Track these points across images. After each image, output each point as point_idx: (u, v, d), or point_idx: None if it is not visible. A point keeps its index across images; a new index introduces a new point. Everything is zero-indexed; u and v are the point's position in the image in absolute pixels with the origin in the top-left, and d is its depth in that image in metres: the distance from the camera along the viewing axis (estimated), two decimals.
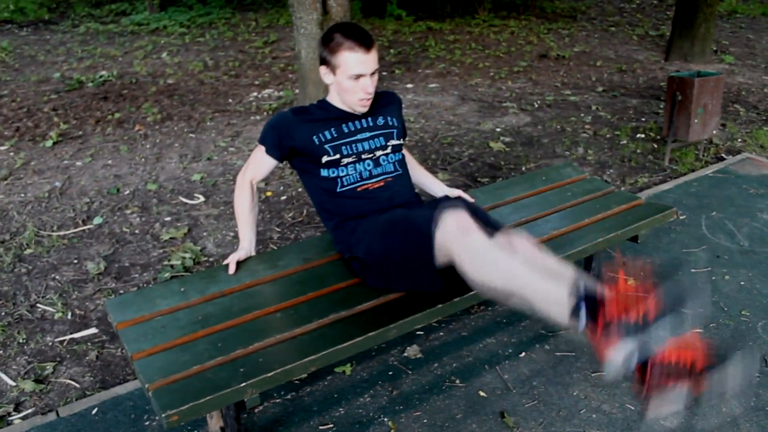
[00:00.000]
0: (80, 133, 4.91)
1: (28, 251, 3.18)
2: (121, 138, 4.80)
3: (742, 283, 2.79)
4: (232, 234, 3.31)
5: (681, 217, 3.40)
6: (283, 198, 3.75)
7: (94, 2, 11.68)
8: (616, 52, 7.58)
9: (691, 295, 1.44)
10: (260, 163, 2.17)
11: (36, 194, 3.84)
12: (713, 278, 2.83)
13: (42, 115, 5.34)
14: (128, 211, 3.59)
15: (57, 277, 2.96)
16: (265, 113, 5.34)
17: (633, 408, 2.09)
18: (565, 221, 2.42)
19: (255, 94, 5.96)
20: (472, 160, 4.28)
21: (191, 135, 4.85)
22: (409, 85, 6.24)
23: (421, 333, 2.51)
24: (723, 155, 4.37)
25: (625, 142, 4.62)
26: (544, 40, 8.17)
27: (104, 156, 4.44)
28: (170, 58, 7.38)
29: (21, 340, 2.52)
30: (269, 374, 1.63)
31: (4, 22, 10.00)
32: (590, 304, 1.50)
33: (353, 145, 2.09)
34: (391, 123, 2.19)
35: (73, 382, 2.29)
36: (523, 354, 2.37)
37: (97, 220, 3.48)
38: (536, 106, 5.55)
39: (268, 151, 2.13)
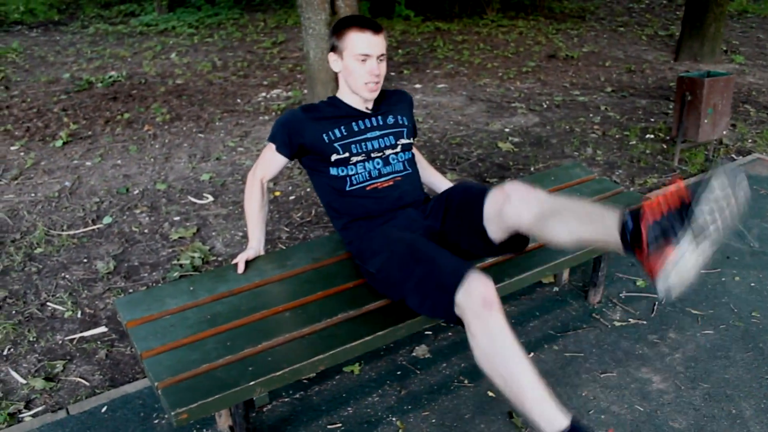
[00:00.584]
0: (90, 133, 4.94)
1: (39, 250, 3.20)
2: (131, 138, 4.82)
3: (753, 284, 2.77)
4: (240, 234, 3.32)
5: None
6: (292, 198, 3.75)
7: (103, 3, 11.74)
8: (625, 53, 7.55)
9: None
10: (270, 161, 2.17)
11: (46, 194, 3.86)
12: (723, 279, 2.82)
13: (52, 116, 5.37)
14: (137, 211, 3.61)
15: (67, 276, 2.98)
16: (273, 113, 5.35)
17: (642, 409, 2.08)
18: None
19: (263, 94, 5.98)
20: (480, 161, 4.27)
21: (200, 135, 4.87)
22: (418, 86, 6.24)
23: (430, 333, 2.50)
24: (733, 156, 4.34)
25: (634, 142, 4.60)
26: (552, 41, 8.14)
27: (113, 156, 4.46)
28: (179, 58, 7.41)
29: (31, 339, 2.53)
30: (278, 373, 1.63)
31: (14, 23, 10.07)
32: (634, 216, 1.54)
33: (363, 143, 2.09)
34: (401, 122, 2.19)
35: (82, 381, 2.31)
36: (532, 354, 2.36)
37: (107, 220, 3.50)
38: (545, 106, 5.53)
39: (278, 149, 2.13)
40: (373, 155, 2.10)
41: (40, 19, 10.48)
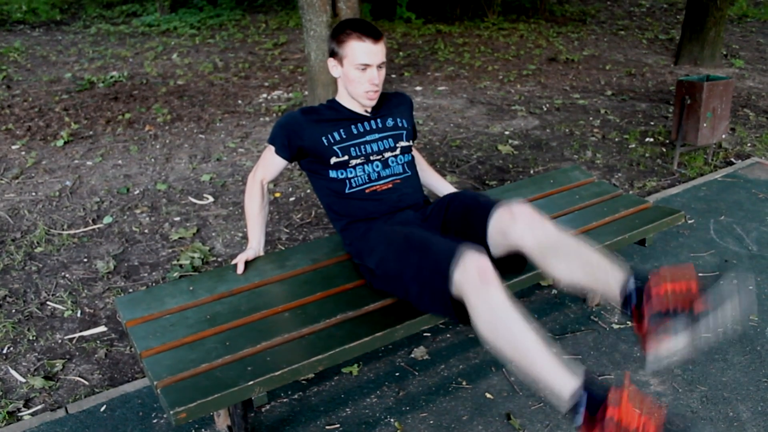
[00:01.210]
0: (91, 133, 4.95)
1: (39, 249, 3.21)
2: (131, 138, 4.83)
3: (750, 288, 2.78)
4: (240, 234, 3.33)
5: (689, 221, 3.39)
6: (292, 199, 3.76)
7: (105, 3, 11.76)
8: (625, 56, 7.56)
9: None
10: (270, 163, 2.18)
11: (47, 193, 3.87)
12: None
13: (53, 115, 5.38)
14: (138, 211, 3.62)
15: (67, 275, 2.99)
16: (274, 115, 5.36)
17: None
18: (573, 224, 2.42)
19: (264, 95, 5.99)
20: (480, 163, 4.28)
21: (201, 136, 4.88)
22: (418, 88, 6.25)
23: (428, 334, 2.51)
24: (732, 159, 4.35)
25: (633, 145, 4.61)
26: (553, 44, 8.16)
27: (114, 156, 4.47)
28: (180, 59, 7.43)
29: (31, 337, 2.54)
30: (277, 373, 1.64)
31: (16, 22, 10.09)
32: (638, 294, 1.61)
33: (362, 146, 2.10)
34: (400, 124, 2.19)
35: (82, 380, 2.31)
36: None
37: (107, 220, 3.51)
38: (545, 109, 5.54)
39: (277, 152, 2.13)
40: (372, 158, 2.11)
41: (43, 18, 10.50)
